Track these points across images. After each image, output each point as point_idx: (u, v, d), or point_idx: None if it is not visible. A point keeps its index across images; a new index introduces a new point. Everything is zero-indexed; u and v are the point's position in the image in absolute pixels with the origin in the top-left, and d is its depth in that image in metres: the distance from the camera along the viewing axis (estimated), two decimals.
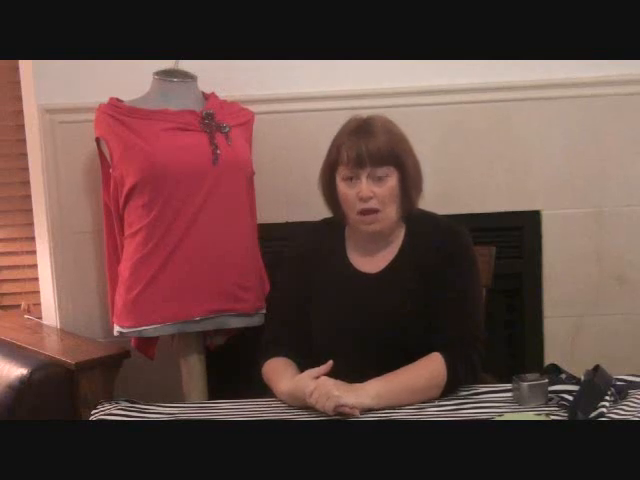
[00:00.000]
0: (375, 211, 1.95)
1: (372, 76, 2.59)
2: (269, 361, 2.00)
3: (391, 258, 2.02)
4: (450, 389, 1.88)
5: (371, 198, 1.94)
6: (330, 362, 1.83)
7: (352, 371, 1.83)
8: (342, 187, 1.98)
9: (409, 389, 1.85)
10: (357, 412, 1.76)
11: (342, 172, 1.98)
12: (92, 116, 2.39)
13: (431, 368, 1.88)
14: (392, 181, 1.96)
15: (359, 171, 1.94)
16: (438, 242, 2.00)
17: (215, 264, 2.31)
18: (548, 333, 2.72)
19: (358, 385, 1.81)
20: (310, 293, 2.05)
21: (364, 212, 1.96)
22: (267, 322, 2.22)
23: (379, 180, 1.94)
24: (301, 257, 2.09)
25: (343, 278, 2.04)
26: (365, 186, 1.94)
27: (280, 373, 1.94)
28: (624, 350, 2.68)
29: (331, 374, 1.84)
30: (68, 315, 2.71)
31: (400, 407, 1.82)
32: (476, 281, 2.02)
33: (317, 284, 2.05)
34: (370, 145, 1.93)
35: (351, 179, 1.96)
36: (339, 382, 1.80)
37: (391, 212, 1.97)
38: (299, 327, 2.03)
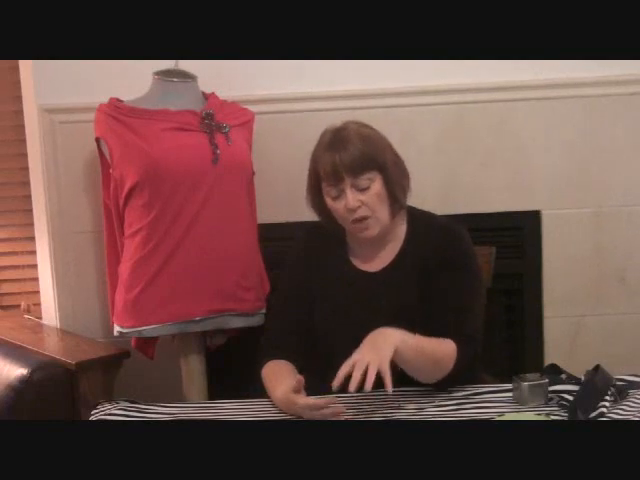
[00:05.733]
0: (366, 218, 1.95)
1: (372, 76, 2.59)
2: (268, 364, 1.99)
3: (392, 257, 2.03)
4: (448, 380, 1.88)
5: (359, 207, 1.94)
6: (301, 378, 1.81)
7: None
8: (330, 203, 1.98)
9: (428, 353, 1.84)
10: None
11: (326, 190, 1.98)
12: (92, 116, 2.39)
13: (447, 349, 1.88)
14: (377, 186, 1.95)
15: (341, 185, 1.94)
16: (438, 243, 2.00)
17: (215, 264, 2.31)
18: (548, 333, 2.72)
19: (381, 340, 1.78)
20: (311, 293, 2.05)
21: (356, 221, 1.96)
22: (267, 323, 2.22)
23: (364, 189, 1.94)
24: (302, 257, 2.10)
25: (344, 277, 2.04)
26: (350, 197, 1.93)
27: (277, 379, 1.92)
28: (624, 350, 2.68)
29: (332, 371, 1.84)
30: (68, 315, 2.71)
31: (410, 370, 1.84)
32: (475, 283, 2.01)
33: (319, 284, 2.05)
34: (344, 157, 1.92)
35: (337, 195, 1.95)
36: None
37: (382, 215, 1.97)
38: (299, 328, 2.03)
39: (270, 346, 2.03)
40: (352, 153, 1.92)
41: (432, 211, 2.12)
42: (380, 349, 1.75)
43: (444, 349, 1.88)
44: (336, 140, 1.95)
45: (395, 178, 1.98)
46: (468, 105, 2.64)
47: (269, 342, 2.05)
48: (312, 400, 1.79)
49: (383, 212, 1.97)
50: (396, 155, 2.03)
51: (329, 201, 1.98)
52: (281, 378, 1.92)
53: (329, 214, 2.02)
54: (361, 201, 1.94)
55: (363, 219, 1.95)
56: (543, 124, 2.64)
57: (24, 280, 2.87)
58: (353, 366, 1.71)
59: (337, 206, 1.96)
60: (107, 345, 2.56)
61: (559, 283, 2.70)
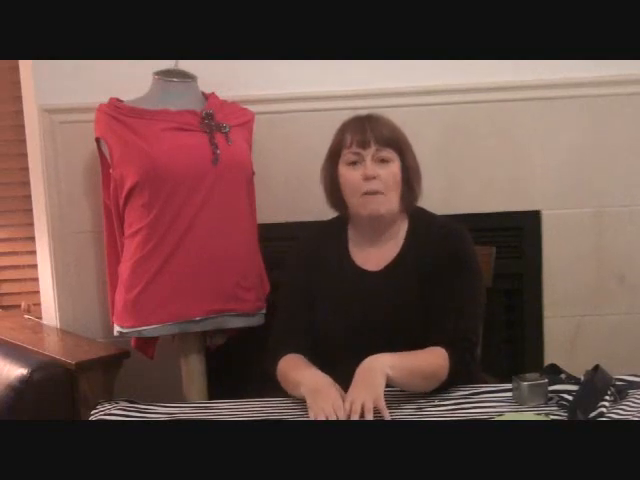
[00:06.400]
0: (378, 192, 1.97)
1: (372, 76, 2.59)
2: (284, 358, 1.98)
3: (393, 257, 2.03)
4: (445, 386, 1.88)
5: (375, 179, 1.96)
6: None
7: (354, 367, 1.82)
8: (345, 171, 2.00)
9: (419, 371, 1.85)
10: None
11: (346, 156, 2.00)
12: (92, 116, 2.39)
13: (438, 359, 1.88)
14: (395, 167, 1.99)
15: (363, 152, 1.97)
16: (439, 243, 2.00)
17: (215, 264, 2.31)
18: (548, 333, 2.72)
19: (371, 373, 1.78)
20: (312, 293, 2.05)
21: (368, 193, 1.97)
22: (273, 325, 2.21)
23: (383, 163, 1.98)
24: (302, 257, 2.10)
25: (345, 276, 2.05)
26: (370, 165, 1.96)
27: (301, 365, 1.94)
28: (624, 350, 2.68)
29: (333, 369, 1.85)
30: (68, 315, 2.71)
31: (405, 389, 1.84)
32: (475, 284, 2.01)
33: (320, 282, 2.05)
34: (374, 127, 1.99)
35: (355, 163, 1.98)
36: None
37: (394, 198, 1.99)
38: (305, 327, 2.03)
39: (279, 347, 2.02)
40: (382, 126, 2.00)
41: (432, 211, 2.12)
42: (372, 385, 1.75)
43: (436, 360, 1.88)
44: (368, 115, 2.04)
45: (412, 172, 2.03)
46: (468, 105, 2.64)
47: (277, 343, 2.04)
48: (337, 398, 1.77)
49: (394, 196, 1.99)
50: (415, 156, 2.06)
51: (345, 169, 2.00)
52: (304, 365, 1.93)
53: (337, 189, 2.04)
54: (378, 174, 1.96)
55: (375, 192, 1.97)
56: (543, 124, 2.64)
57: (24, 280, 2.88)
58: (351, 405, 1.72)
59: (352, 174, 1.98)
60: (107, 345, 2.57)
61: (559, 283, 2.70)
